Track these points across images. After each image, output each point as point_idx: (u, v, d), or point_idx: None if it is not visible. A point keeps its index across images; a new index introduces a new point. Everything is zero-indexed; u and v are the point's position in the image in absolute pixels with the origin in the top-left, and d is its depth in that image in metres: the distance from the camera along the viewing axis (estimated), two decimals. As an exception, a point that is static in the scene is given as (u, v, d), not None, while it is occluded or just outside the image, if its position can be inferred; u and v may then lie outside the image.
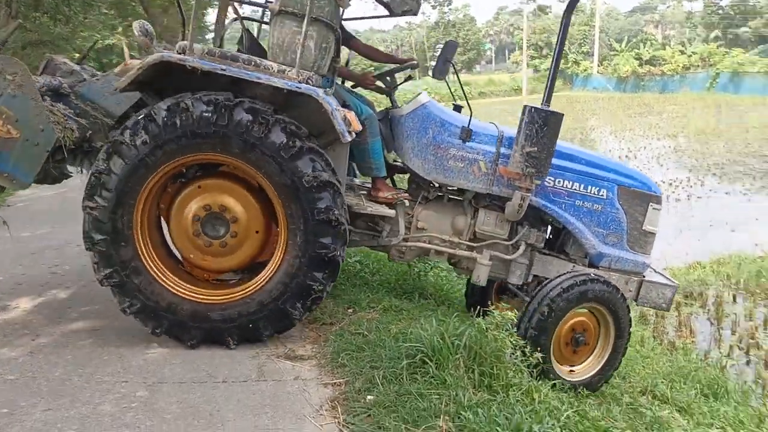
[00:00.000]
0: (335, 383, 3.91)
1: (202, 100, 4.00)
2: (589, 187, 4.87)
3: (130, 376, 3.99)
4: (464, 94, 4.79)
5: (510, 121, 5.16)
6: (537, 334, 4.41)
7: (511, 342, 4.02)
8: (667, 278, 5.27)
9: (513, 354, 4.08)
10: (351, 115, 4.32)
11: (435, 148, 4.75)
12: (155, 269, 4.31)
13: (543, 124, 4.47)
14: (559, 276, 4.59)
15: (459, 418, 3.41)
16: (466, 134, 4.73)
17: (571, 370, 4.75)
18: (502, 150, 4.77)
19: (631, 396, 5.19)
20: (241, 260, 4.50)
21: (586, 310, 4.65)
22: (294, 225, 4.16)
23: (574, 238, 4.96)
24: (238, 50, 4.78)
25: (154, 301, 4.26)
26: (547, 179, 4.76)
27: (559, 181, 4.86)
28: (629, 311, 4.76)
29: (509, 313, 4.08)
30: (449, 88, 4.95)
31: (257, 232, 4.42)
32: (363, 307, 5.05)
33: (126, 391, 3.80)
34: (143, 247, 4.28)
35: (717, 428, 5.34)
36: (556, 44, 4.61)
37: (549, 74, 4.65)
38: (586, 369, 4.79)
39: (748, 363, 7.53)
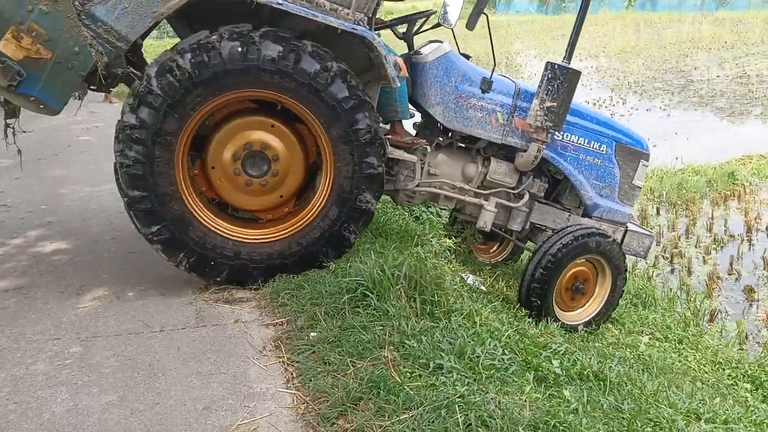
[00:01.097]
0: (277, 323, 3.87)
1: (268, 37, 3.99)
2: (592, 143, 5.12)
3: (62, 333, 3.83)
4: (492, 45, 4.81)
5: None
6: (541, 282, 4.75)
7: (450, 269, 4.05)
8: (644, 229, 5.66)
9: (453, 280, 4.12)
10: (399, 60, 4.38)
11: (457, 96, 4.81)
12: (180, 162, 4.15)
13: (563, 81, 4.63)
14: (563, 229, 4.92)
15: (403, 347, 3.43)
16: (487, 85, 4.83)
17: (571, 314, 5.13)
18: (519, 103, 4.90)
19: (566, 312, 5.39)
20: (250, 206, 4.52)
21: (585, 260, 4.98)
22: (340, 148, 4.24)
23: (572, 189, 5.21)
24: None
25: (155, 183, 4.06)
26: (556, 133, 4.96)
27: (567, 136, 5.06)
28: (625, 261, 5.11)
29: (447, 241, 4.09)
30: (455, 38, 4.98)
31: (281, 196, 4.46)
32: (300, 244, 4.97)
33: (59, 349, 3.65)
34: (184, 142, 4.14)
35: (647, 334, 5.64)
36: (579, 13, 4.79)
37: (571, 36, 4.78)
38: (585, 313, 5.15)
39: (672, 271, 7.93)
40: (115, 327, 3.91)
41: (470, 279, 5.01)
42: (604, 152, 5.15)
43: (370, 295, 3.82)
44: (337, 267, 4.28)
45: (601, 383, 3.69)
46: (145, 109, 3.91)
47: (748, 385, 5.00)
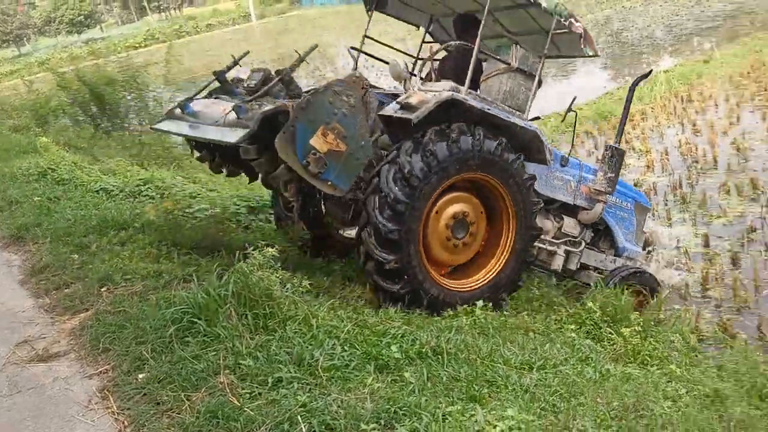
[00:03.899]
0: (101, 372, 3.59)
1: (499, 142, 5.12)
2: (624, 202, 6.67)
3: None
4: (573, 136, 7.05)
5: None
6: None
7: (277, 277, 3.98)
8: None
9: (283, 287, 4.07)
10: (550, 146, 5.67)
11: (547, 171, 5.98)
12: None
13: (618, 158, 6.18)
14: (621, 266, 6.44)
15: (239, 367, 3.33)
16: (564, 161, 6.14)
17: None
18: (583, 174, 6.29)
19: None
20: (443, 261, 5.35)
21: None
22: (520, 216, 5.39)
23: (607, 236, 6.63)
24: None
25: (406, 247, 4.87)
26: None
27: (611, 197, 6.42)
28: (661, 290, 6.56)
29: (270, 249, 4.02)
30: None
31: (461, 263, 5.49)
32: (118, 282, 4.67)
33: None
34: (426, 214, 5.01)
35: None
36: (626, 101, 6.44)
37: (621, 120, 6.46)
38: None
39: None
40: None
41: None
42: (629, 209, 6.72)
43: (198, 321, 3.67)
44: (160, 297, 4.07)
45: (439, 357, 3.82)
46: (405, 187, 4.74)
47: (573, 326, 5.42)
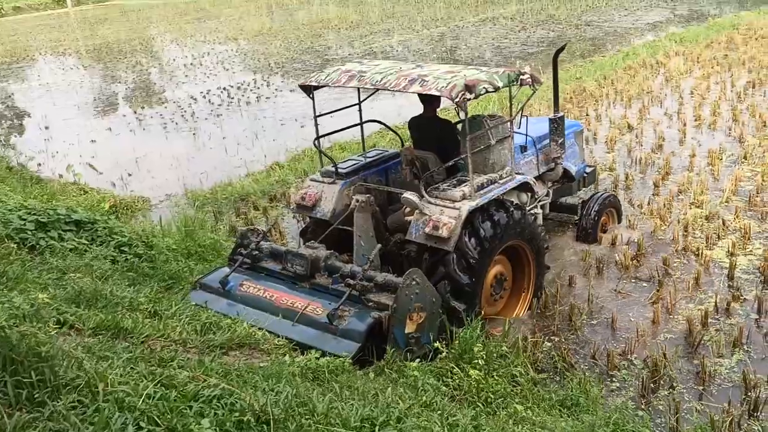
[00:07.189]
0: None
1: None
2: (568, 141, 7.92)
3: None
4: (527, 137, 7.45)
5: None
6: (593, 225, 7.97)
7: (54, 327, 3.05)
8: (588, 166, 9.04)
9: (61, 340, 3.13)
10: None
11: (515, 165, 6.85)
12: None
13: (559, 124, 7.54)
14: (595, 194, 8.28)
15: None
16: (523, 149, 7.37)
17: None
18: (538, 146, 7.60)
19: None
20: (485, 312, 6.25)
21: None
22: (538, 263, 6.69)
23: (566, 172, 7.92)
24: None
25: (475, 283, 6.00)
26: None
27: None
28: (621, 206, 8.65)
29: (41, 295, 3.07)
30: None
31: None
32: None
33: None
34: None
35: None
36: (553, 72, 7.91)
37: (553, 92, 7.94)
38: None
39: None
40: None
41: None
42: (572, 143, 8.11)
43: (-70, 396, 2.65)
44: None
45: (265, 426, 3.12)
46: (478, 245, 5.83)
47: (414, 364, 4.98)
